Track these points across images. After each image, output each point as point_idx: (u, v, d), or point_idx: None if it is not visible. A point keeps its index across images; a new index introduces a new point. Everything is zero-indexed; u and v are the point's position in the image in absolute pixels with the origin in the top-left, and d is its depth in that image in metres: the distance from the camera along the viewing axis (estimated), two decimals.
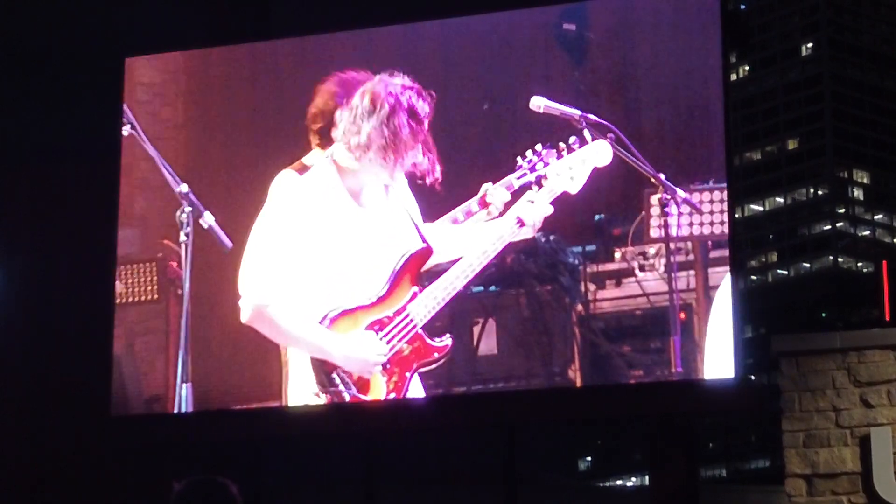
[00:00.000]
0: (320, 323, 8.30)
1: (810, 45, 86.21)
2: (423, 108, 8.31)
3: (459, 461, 10.80)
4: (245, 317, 8.34)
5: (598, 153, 8.31)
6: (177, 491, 4.58)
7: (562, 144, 8.34)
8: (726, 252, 8.26)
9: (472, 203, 8.44)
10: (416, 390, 8.44)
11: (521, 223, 8.33)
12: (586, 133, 8.32)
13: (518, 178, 8.40)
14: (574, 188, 8.33)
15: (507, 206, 8.39)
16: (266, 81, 9.26)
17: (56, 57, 10.69)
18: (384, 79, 8.39)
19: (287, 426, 8.77)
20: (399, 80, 8.37)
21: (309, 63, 9.11)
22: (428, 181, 8.34)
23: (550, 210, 8.32)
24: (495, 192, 8.40)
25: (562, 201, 8.38)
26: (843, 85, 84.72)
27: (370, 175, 8.27)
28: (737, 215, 8.96)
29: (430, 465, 10.76)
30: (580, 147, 8.33)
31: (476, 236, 8.38)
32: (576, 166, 8.32)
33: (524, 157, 8.39)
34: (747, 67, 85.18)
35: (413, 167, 8.28)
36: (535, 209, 8.32)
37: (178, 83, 9.45)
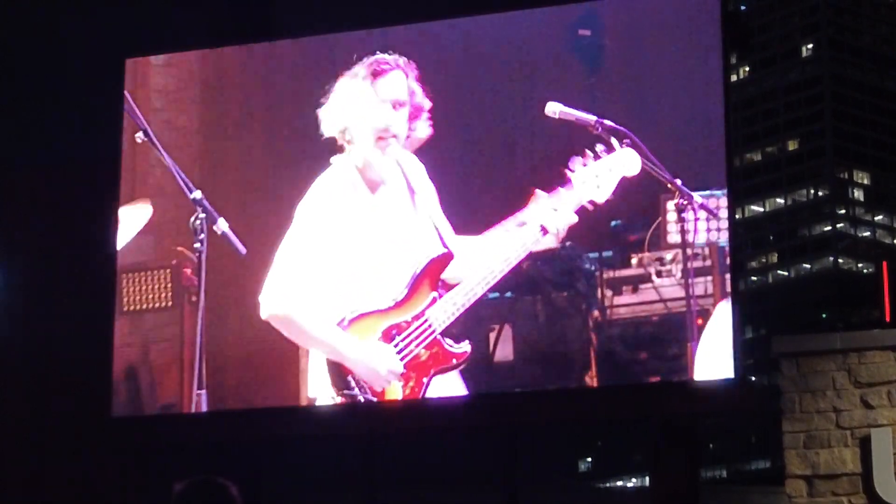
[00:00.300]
0: (338, 325, 8.30)
1: (810, 45, 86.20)
2: (382, 66, 8.37)
3: (460, 461, 10.79)
4: (264, 313, 8.35)
5: (626, 162, 8.22)
6: (177, 492, 4.58)
7: (588, 152, 8.28)
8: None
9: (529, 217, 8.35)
10: (439, 391, 8.44)
11: (545, 231, 8.27)
12: (614, 141, 8.25)
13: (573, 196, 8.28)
14: (601, 197, 8.22)
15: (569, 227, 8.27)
16: (281, 87, 9.25)
17: (56, 58, 10.67)
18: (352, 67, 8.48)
19: (288, 427, 8.80)
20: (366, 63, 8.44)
21: (322, 69, 9.07)
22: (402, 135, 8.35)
23: (575, 219, 8.24)
24: (552, 216, 8.29)
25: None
26: (844, 85, 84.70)
27: (378, 158, 8.28)
28: (737, 216, 8.95)
29: (431, 466, 10.75)
30: (608, 154, 8.26)
31: (498, 244, 8.33)
32: (602, 174, 8.22)
33: (573, 171, 8.28)
34: (747, 68, 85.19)
35: (408, 134, 8.33)
36: (559, 217, 8.24)
37: (193, 90, 9.44)
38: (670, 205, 8.25)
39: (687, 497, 8.77)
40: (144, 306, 9.17)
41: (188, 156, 9.16)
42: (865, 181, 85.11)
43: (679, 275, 8.27)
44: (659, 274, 8.33)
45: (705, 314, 8.19)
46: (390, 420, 8.57)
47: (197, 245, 8.55)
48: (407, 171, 8.39)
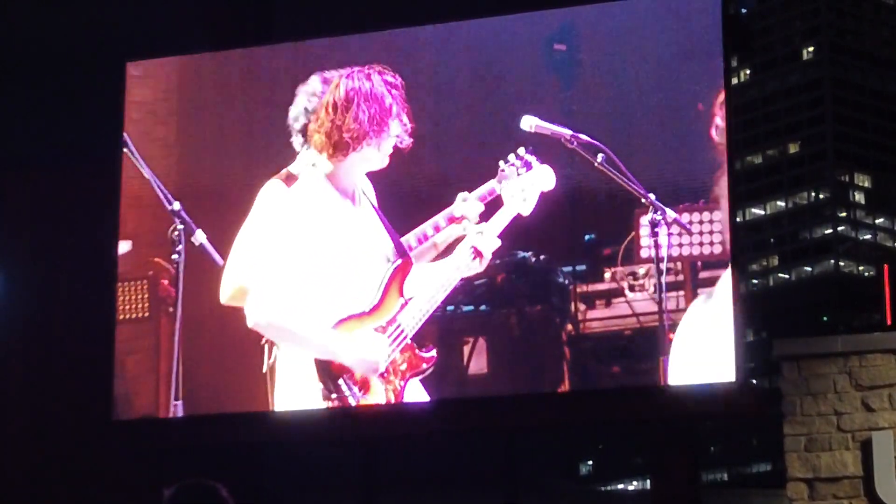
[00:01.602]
0: None
1: (811, 48, 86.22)
2: (392, 78, 8.42)
3: (459, 465, 10.84)
4: (251, 321, 8.36)
5: (544, 178, 8.38)
6: (167, 495, 4.58)
7: (503, 168, 8.39)
8: (716, 273, 8.25)
9: (440, 219, 8.47)
10: (414, 397, 8.48)
11: (477, 253, 8.36)
12: (531, 158, 8.36)
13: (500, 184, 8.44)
14: (526, 210, 8.37)
15: (481, 216, 8.43)
16: (259, 100, 9.26)
17: (57, 59, 10.70)
18: (349, 71, 8.48)
19: (286, 431, 8.77)
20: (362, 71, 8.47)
21: (302, 77, 9.10)
22: (403, 144, 8.39)
23: (499, 243, 8.37)
24: (469, 204, 8.43)
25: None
26: (845, 88, 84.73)
27: (360, 165, 8.31)
28: (738, 219, 8.96)
29: (430, 470, 10.80)
30: (527, 171, 8.37)
31: (432, 267, 8.44)
32: (528, 188, 8.37)
33: (507, 162, 8.41)
34: (748, 71, 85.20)
35: (396, 137, 8.38)
36: (487, 240, 8.37)
37: (171, 101, 9.46)
38: (644, 219, 8.27)
39: (687, 500, 8.83)
40: (121, 317, 9.18)
41: (166, 167, 9.18)
42: (866, 184, 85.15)
43: (652, 289, 8.29)
44: (632, 288, 8.36)
45: (677, 328, 8.21)
46: (390, 423, 8.60)
47: (175, 256, 8.61)
48: (371, 181, 8.47)
